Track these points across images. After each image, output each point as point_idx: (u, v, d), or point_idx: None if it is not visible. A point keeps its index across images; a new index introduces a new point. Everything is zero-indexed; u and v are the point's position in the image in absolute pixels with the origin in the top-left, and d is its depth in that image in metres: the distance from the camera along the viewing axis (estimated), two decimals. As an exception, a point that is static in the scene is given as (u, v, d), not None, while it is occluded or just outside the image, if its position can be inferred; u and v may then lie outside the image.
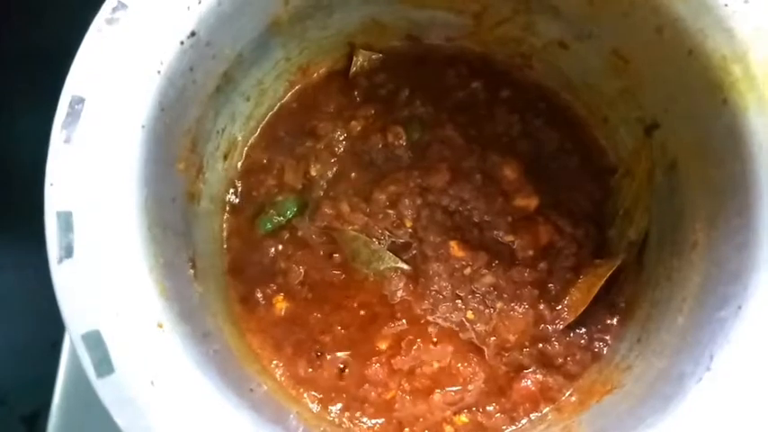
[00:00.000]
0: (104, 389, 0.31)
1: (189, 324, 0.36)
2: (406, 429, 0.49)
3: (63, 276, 0.33)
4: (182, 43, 0.38)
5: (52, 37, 0.81)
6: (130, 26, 0.37)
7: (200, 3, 0.38)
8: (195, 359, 0.34)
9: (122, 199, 0.35)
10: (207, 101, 0.44)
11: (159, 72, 0.37)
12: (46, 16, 0.81)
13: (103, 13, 0.37)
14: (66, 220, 0.33)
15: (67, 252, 0.33)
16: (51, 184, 0.34)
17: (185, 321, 0.35)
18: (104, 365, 0.32)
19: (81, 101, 0.35)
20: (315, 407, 0.49)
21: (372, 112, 0.55)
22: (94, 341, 0.32)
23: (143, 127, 0.36)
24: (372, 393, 0.49)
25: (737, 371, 0.35)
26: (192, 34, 0.39)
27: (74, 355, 0.58)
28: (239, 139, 0.52)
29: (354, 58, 0.56)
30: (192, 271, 0.42)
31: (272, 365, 0.50)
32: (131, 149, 0.36)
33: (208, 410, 0.33)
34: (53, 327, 0.64)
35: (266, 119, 0.55)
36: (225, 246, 0.52)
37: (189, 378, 0.33)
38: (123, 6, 0.37)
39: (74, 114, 0.35)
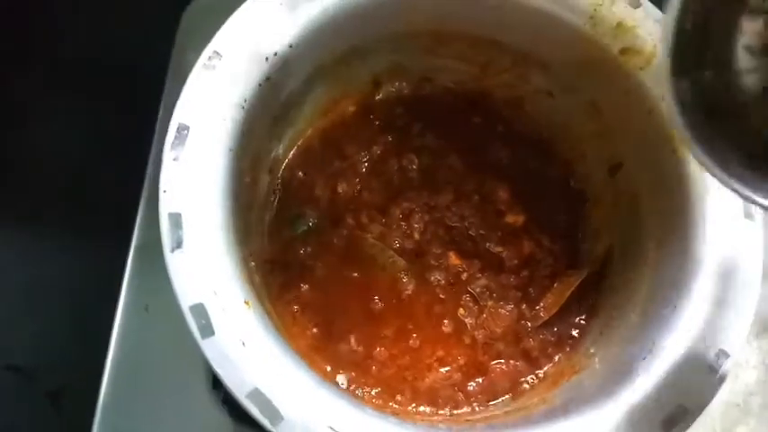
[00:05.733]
0: (207, 347, 0.39)
1: (261, 305, 0.45)
2: (398, 395, 0.54)
3: (175, 262, 0.40)
4: (260, 85, 0.47)
5: (76, 49, 0.85)
6: (223, 70, 0.46)
7: (275, 54, 0.48)
8: (270, 330, 0.43)
9: (216, 206, 0.43)
10: (267, 128, 0.53)
11: (243, 107, 0.46)
12: (68, 28, 0.84)
13: (202, 59, 0.45)
14: (176, 220, 0.41)
15: (178, 244, 0.41)
16: (164, 191, 0.42)
17: (259, 302, 0.45)
18: (207, 330, 0.39)
19: (186, 128, 0.43)
20: (329, 372, 0.55)
21: (390, 139, 0.62)
22: (199, 312, 0.39)
23: (230, 150, 0.45)
24: (373, 368, 0.55)
25: (670, 349, 0.45)
26: (267, 79, 0.48)
27: (122, 336, 0.62)
28: (280, 157, 0.60)
29: (378, 95, 0.63)
30: (252, 263, 0.52)
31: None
32: (222, 167, 0.44)
33: (282, 366, 0.41)
34: (78, 306, 0.69)
35: (303, 140, 0.62)
36: (264, 245, 0.59)
37: (268, 342, 0.41)
38: (218, 55, 0.46)
39: (180, 138, 0.43)
